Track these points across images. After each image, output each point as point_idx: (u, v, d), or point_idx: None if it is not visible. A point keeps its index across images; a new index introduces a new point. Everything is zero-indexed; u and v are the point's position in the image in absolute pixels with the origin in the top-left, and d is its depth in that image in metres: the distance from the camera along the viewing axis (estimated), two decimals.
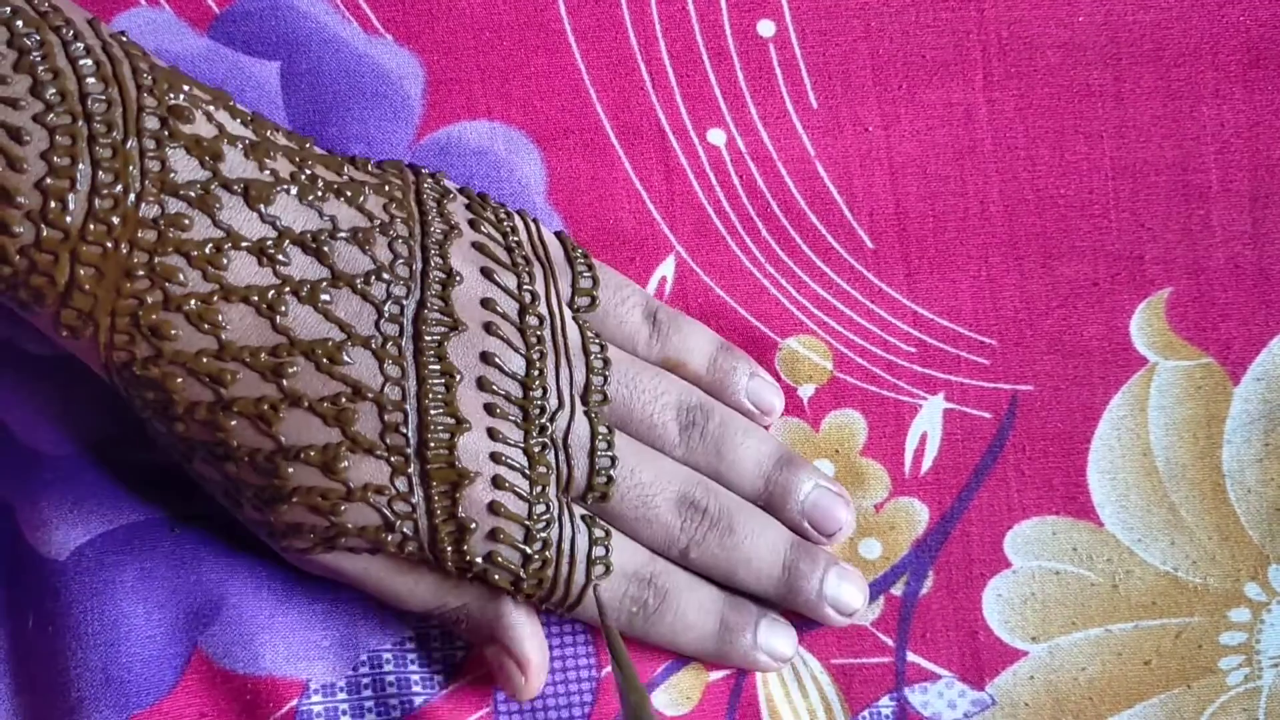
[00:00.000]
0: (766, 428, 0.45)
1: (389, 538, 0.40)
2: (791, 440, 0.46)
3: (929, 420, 0.45)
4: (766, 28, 0.45)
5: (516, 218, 0.44)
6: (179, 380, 0.38)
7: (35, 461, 0.43)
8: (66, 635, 0.43)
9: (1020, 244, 0.45)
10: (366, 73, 0.45)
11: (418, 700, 0.44)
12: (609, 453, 0.42)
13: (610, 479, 0.42)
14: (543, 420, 0.41)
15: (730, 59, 0.45)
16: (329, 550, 0.41)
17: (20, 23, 0.36)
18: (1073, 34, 0.45)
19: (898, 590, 0.45)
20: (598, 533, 0.42)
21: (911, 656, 0.45)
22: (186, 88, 0.38)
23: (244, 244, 0.38)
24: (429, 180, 0.43)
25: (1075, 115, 0.45)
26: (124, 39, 0.38)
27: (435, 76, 0.45)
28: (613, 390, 0.43)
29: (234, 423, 0.39)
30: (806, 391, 0.46)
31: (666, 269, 0.46)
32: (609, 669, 0.44)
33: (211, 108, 0.39)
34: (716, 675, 0.45)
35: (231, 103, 0.40)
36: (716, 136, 0.46)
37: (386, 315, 0.39)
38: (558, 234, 0.45)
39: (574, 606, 0.42)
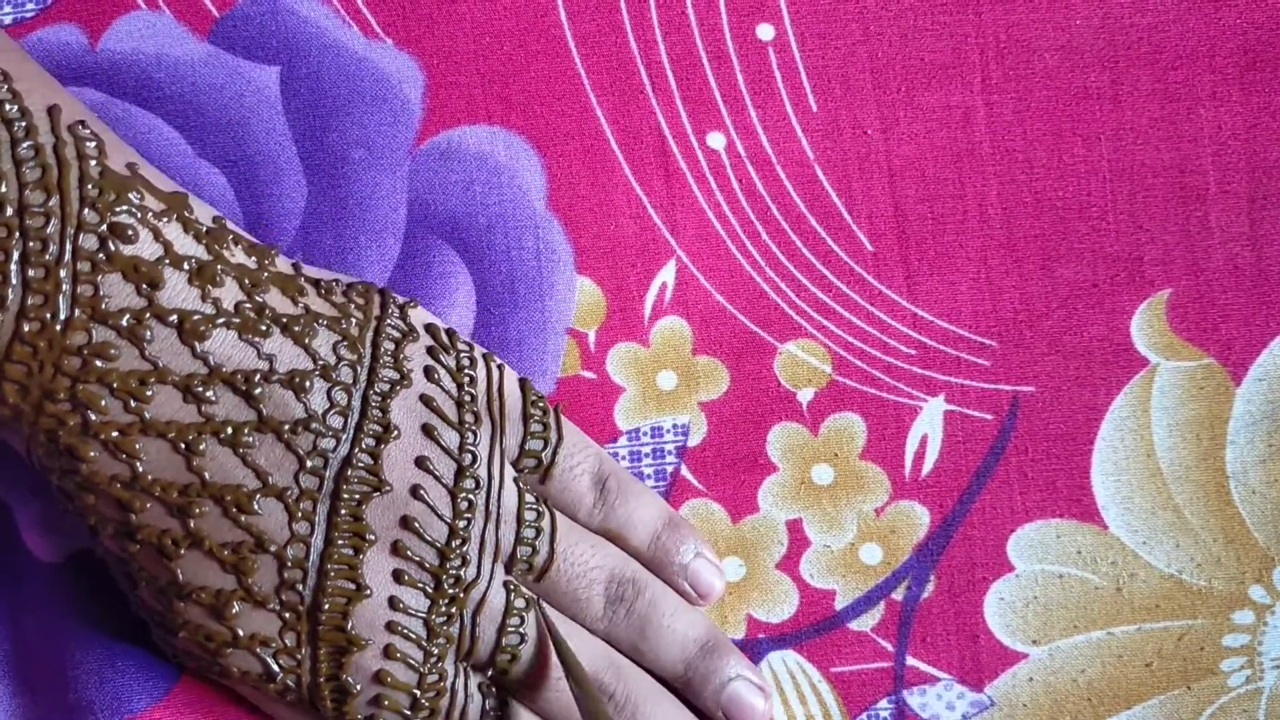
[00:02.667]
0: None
1: (271, 686, 0.40)
2: (790, 445, 0.45)
3: (929, 422, 0.45)
4: (766, 31, 0.46)
5: (480, 364, 0.42)
6: (91, 498, 0.38)
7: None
8: (64, 637, 0.42)
9: (1019, 245, 0.45)
10: (366, 77, 0.45)
11: None
12: (520, 629, 0.41)
13: (515, 657, 0.41)
14: (455, 591, 0.40)
15: (730, 62, 0.46)
16: (217, 679, 0.41)
17: None
18: (1070, 37, 0.45)
19: (899, 595, 0.45)
20: (491, 703, 0.41)
21: (911, 660, 0.45)
22: (136, 197, 0.37)
23: (170, 379, 0.37)
24: (394, 316, 0.42)
25: (1073, 118, 0.45)
26: (83, 129, 0.37)
27: (435, 81, 0.45)
28: (539, 561, 0.42)
29: (137, 548, 0.38)
30: (806, 396, 0.46)
31: (667, 274, 0.46)
32: None
33: (162, 221, 0.37)
34: None
35: (187, 211, 0.38)
36: (716, 140, 0.46)
37: (308, 468, 0.38)
38: (522, 382, 0.43)
39: None
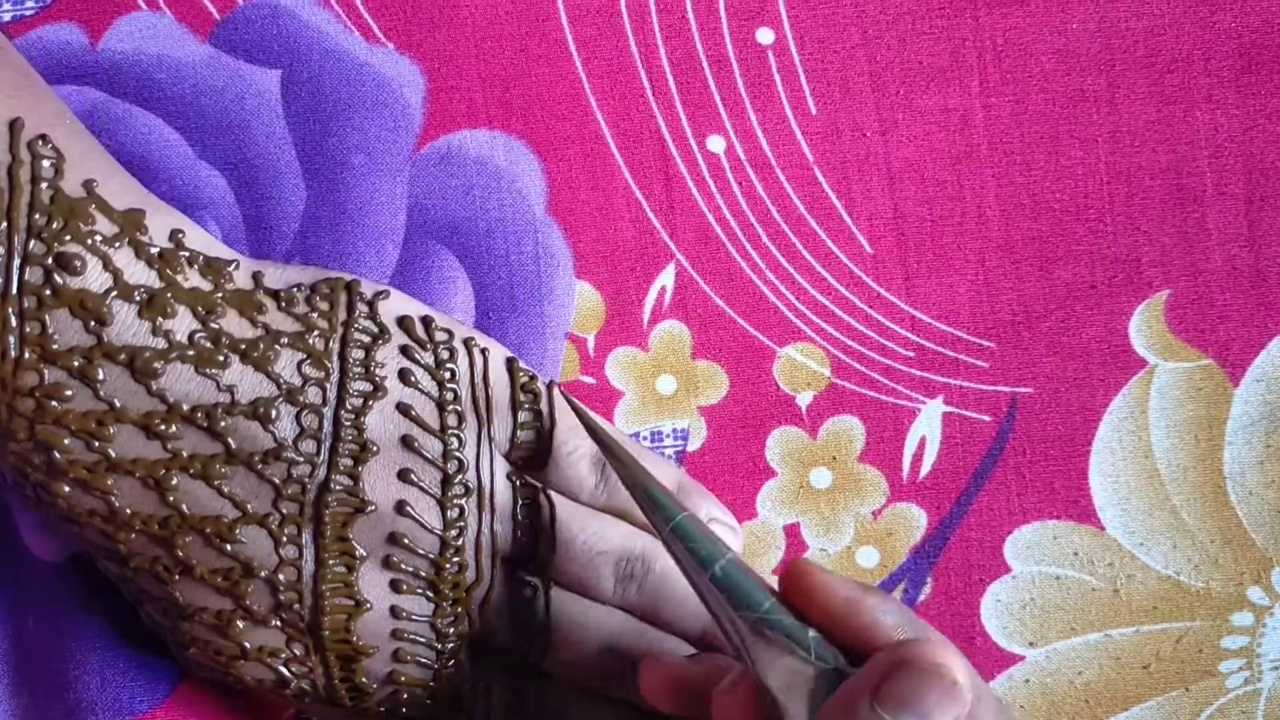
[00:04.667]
0: None
1: (286, 691, 0.39)
2: (789, 449, 0.46)
3: (927, 424, 0.45)
4: (765, 35, 0.46)
5: (460, 355, 0.41)
6: (75, 528, 0.38)
7: None
8: (65, 637, 0.42)
9: (1017, 247, 0.46)
10: (367, 81, 0.45)
11: None
12: (528, 618, 0.40)
13: (530, 641, 0.41)
14: (456, 594, 0.39)
15: (730, 66, 0.46)
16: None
17: None
18: (1067, 40, 0.46)
19: (895, 597, 0.45)
20: (510, 698, 0.41)
21: None
22: (86, 224, 0.36)
23: (129, 418, 0.36)
24: (362, 318, 0.40)
25: (1070, 120, 0.46)
26: (43, 145, 0.36)
27: (436, 85, 0.45)
28: (542, 550, 0.41)
29: (133, 573, 0.38)
30: (805, 399, 0.46)
31: (666, 278, 0.46)
32: None
33: (112, 248, 0.36)
34: None
35: (140, 234, 0.37)
36: (716, 144, 0.46)
37: (286, 495, 0.37)
38: (510, 363, 0.42)
39: None
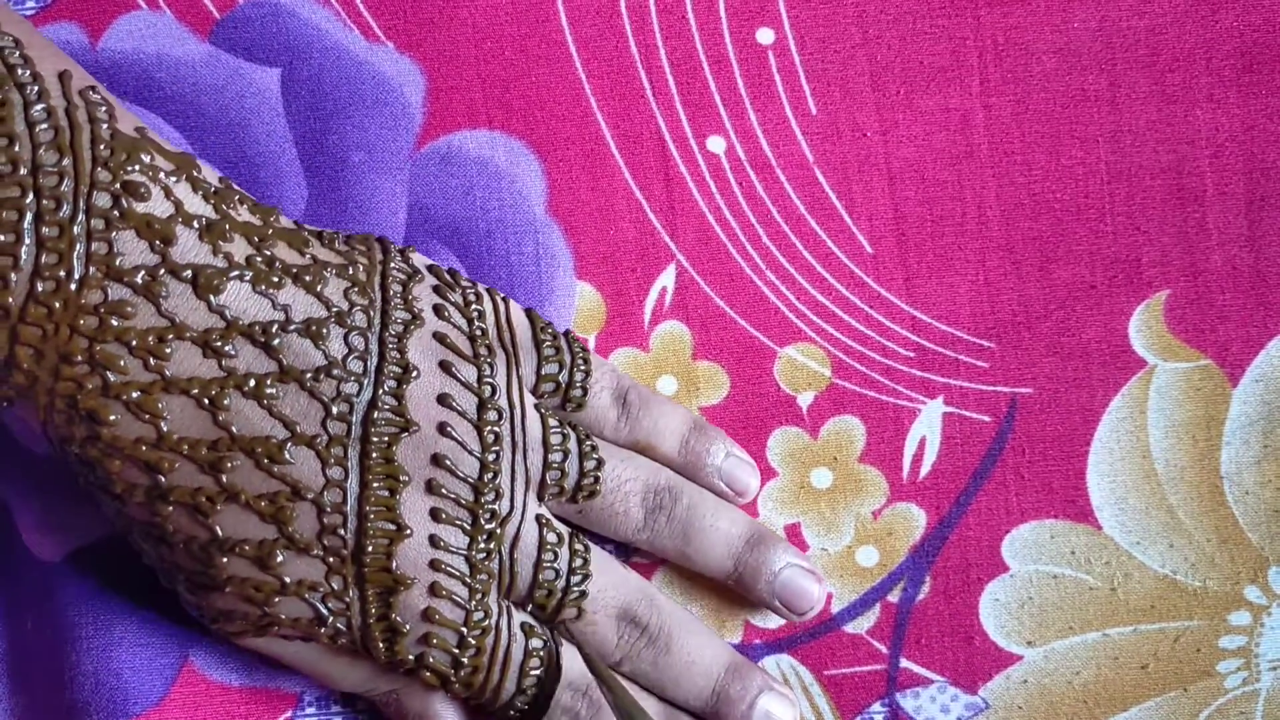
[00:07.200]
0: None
1: (321, 630, 0.40)
2: (790, 449, 0.46)
3: (928, 424, 0.45)
4: (766, 35, 0.46)
5: (485, 298, 0.43)
6: (116, 464, 0.38)
7: (33, 465, 0.43)
8: (62, 638, 0.43)
9: (1017, 248, 0.46)
10: (367, 80, 0.45)
11: None
12: (554, 564, 0.41)
13: (551, 592, 0.41)
14: (491, 526, 0.40)
15: (730, 66, 0.46)
16: (261, 635, 0.40)
17: None
18: (1068, 40, 0.46)
19: (894, 597, 0.45)
20: (534, 643, 0.41)
21: (905, 662, 0.45)
22: (147, 157, 0.37)
23: (189, 334, 0.37)
24: (397, 259, 0.42)
25: (1071, 120, 0.46)
26: (94, 94, 0.37)
27: (436, 84, 0.45)
28: (570, 483, 0.42)
29: (170, 509, 0.38)
30: (805, 399, 0.46)
31: (667, 279, 0.46)
32: None
33: (172, 180, 0.38)
34: None
35: (196, 172, 0.38)
36: (716, 144, 0.46)
37: (334, 414, 0.38)
38: (528, 312, 0.44)
39: (501, 710, 0.42)
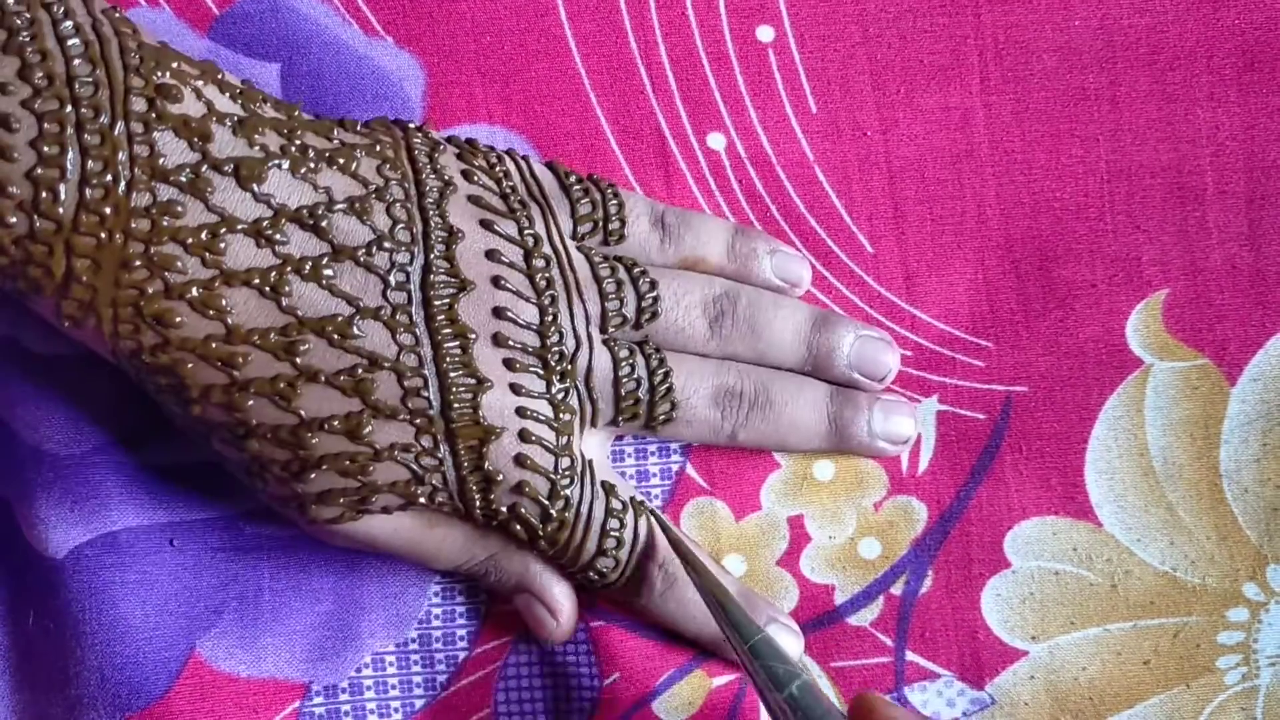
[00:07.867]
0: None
1: (419, 490, 0.40)
2: None
3: (923, 422, 0.46)
4: (766, 33, 0.46)
5: (507, 159, 0.44)
6: (190, 366, 0.38)
7: (36, 459, 0.43)
8: (65, 634, 0.43)
9: (1017, 246, 0.46)
10: (367, 75, 0.45)
11: (419, 703, 0.45)
12: (633, 376, 0.42)
13: (639, 400, 0.43)
14: (563, 366, 0.41)
15: (730, 64, 0.46)
16: (358, 516, 0.41)
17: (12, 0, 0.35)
18: (1068, 38, 0.46)
19: (897, 590, 0.45)
20: (615, 504, 0.42)
21: (910, 655, 0.45)
22: (175, 64, 0.38)
23: (240, 226, 0.38)
24: (418, 135, 0.43)
25: (1071, 119, 0.46)
26: (115, 13, 0.38)
27: (436, 79, 0.45)
28: (630, 311, 0.43)
29: (251, 403, 0.39)
30: None
31: None
32: (611, 679, 0.44)
33: (200, 83, 0.38)
34: (719, 681, 0.45)
35: (220, 75, 0.39)
36: (716, 141, 0.46)
37: (393, 284, 0.39)
38: (549, 164, 0.45)
39: (583, 571, 0.43)
